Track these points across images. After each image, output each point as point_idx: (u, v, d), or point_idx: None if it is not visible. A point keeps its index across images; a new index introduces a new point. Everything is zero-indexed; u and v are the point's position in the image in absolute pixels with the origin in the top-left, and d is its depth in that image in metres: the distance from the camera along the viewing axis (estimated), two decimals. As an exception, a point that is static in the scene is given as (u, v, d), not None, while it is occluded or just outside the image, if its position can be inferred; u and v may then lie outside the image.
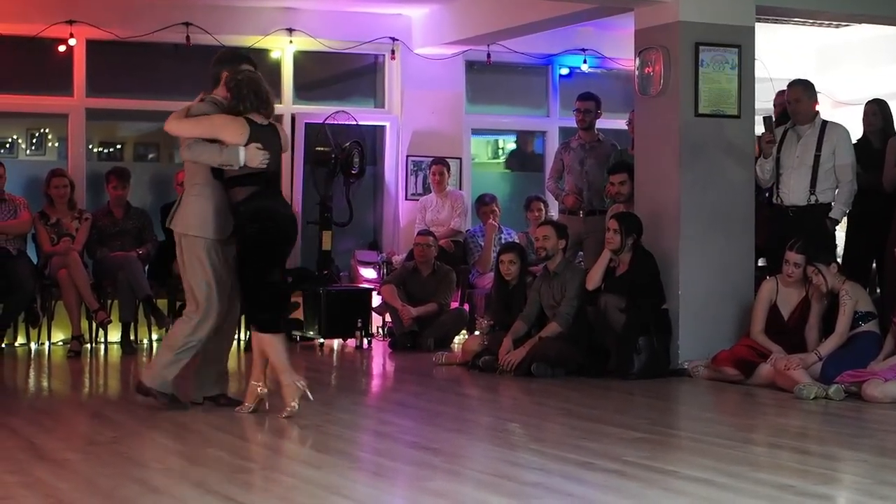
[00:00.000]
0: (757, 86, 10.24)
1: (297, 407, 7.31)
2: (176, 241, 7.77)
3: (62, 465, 6.06)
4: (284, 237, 7.58)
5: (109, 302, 11.46)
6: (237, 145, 7.36)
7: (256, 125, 7.50)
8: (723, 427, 7.61)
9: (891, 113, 10.71)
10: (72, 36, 12.13)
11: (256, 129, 7.47)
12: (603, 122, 11.77)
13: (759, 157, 9.92)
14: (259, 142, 7.41)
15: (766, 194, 10.16)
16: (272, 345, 7.42)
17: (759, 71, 10.54)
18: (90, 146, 12.92)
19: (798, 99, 9.88)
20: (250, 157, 7.36)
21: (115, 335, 11.52)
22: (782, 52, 14.01)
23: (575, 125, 12.11)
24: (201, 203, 7.59)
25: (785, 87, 10.61)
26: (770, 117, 9.92)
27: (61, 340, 11.60)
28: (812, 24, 13.55)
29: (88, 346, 11.38)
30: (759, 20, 10.31)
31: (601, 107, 11.63)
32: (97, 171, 12.48)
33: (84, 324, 11.28)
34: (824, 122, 9.95)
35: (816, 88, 10.11)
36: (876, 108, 10.65)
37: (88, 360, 10.93)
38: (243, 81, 7.63)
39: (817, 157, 9.74)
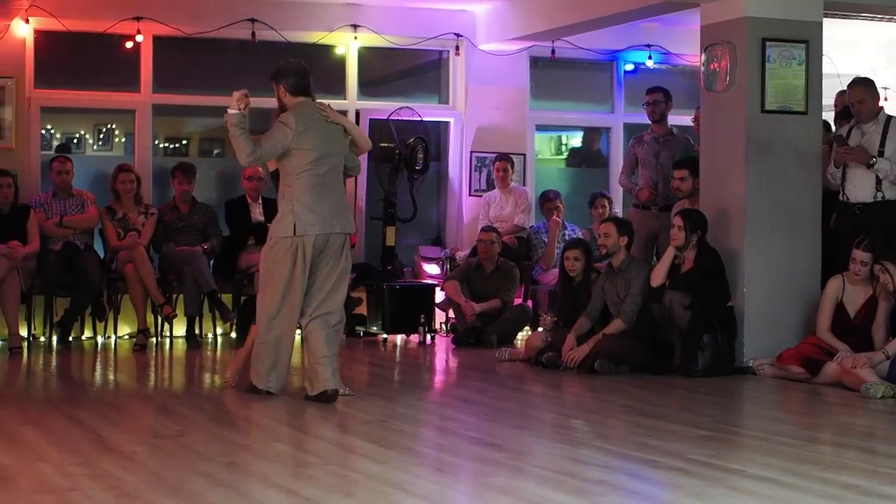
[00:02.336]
0: (824, 82, 10.16)
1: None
2: (345, 243, 8.06)
3: (128, 458, 6.12)
4: None
5: (175, 296, 11.53)
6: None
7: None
8: (788, 426, 7.57)
9: None
10: (139, 32, 12.22)
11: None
12: (669, 118, 11.71)
13: (831, 165, 9.86)
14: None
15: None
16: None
17: (827, 67, 10.46)
18: (156, 142, 13.01)
19: (861, 100, 9.79)
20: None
21: (180, 329, 11.60)
22: (850, 48, 13.87)
23: (640, 121, 12.11)
24: None
25: (845, 87, 10.54)
26: (841, 135, 9.83)
27: (127, 334, 11.70)
28: (881, 20, 13.40)
29: (154, 339, 11.47)
30: (826, 15, 10.22)
31: (671, 98, 11.58)
32: (163, 167, 12.57)
33: (150, 318, 11.37)
34: (889, 118, 9.86)
35: (884, 84, 10.02)
36: None
37: (154, 353, 11.01)
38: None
39: (881, 153, 9.65)
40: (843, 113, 10.67)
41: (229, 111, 7.92)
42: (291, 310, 7.93)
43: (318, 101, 8.10)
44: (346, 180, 8.31)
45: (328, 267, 7.92)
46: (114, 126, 13.21)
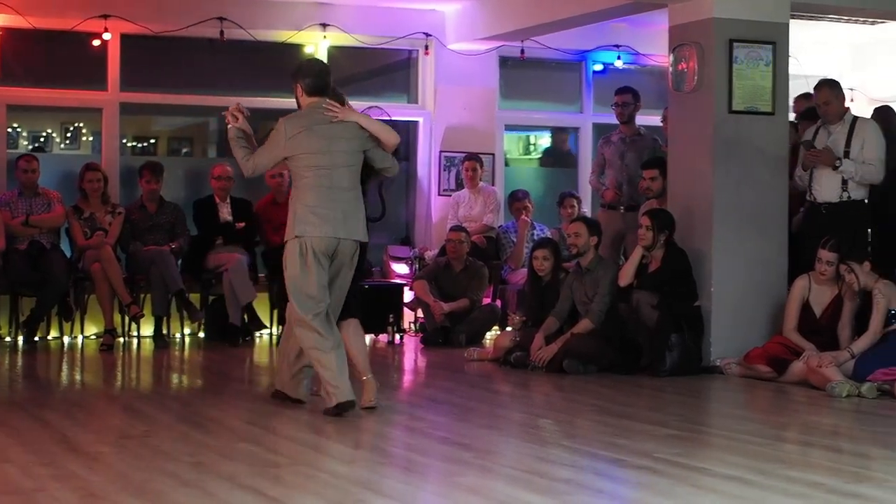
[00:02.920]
0: (791, 83, 10.21)
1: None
2: (356, 252, 7.65)
3: (94, 458, 6.09)
4: None
5: (142, 296, 11.49)
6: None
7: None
8: (754, 424, 7.60)
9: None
10: (106, 30, 12.16)
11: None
12: (638, 118, 11.74)
13: (799, 168, 9.90)
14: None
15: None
16: None
17: (794, 68, 10.50)
18: (124, 140, 12.97)
19: (827, 101, 9.84)
20: None
21: (147, 329, 11.56)
22: (817, 49, 13.94)
23: (609, 121, 12.11)
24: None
25: (804, 92, 10.63)
26: (809, 141, 9.87)
27: (94, 334, 11.65)
28: (847, 21, 13.47)
29: (121, 339, 11.42)
30: (793, 17, 10.27)
31: (639, 99, 11.61)
32: (131, 166, 12.51)
33: (117, 317, 11.32)
34: (854, 118, 9.91)
35: (851, 86, 10.07)
36: None
37: (121, 353, 10.97)
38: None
39: (847, 153, 9.70)
40: (804, 114, 10.72)
41: (228, 127, 7.75)
42: (319, 308, 7.36)
43: (327, 99, 7.60)
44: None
45: (342, 274, 7.53)
46: (81, 125, 13.17)
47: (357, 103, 12.65)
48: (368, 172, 7.76)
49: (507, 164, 14.11)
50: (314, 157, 7.43)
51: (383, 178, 8.07)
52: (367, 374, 7.53)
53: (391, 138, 7.72)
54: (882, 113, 10.65)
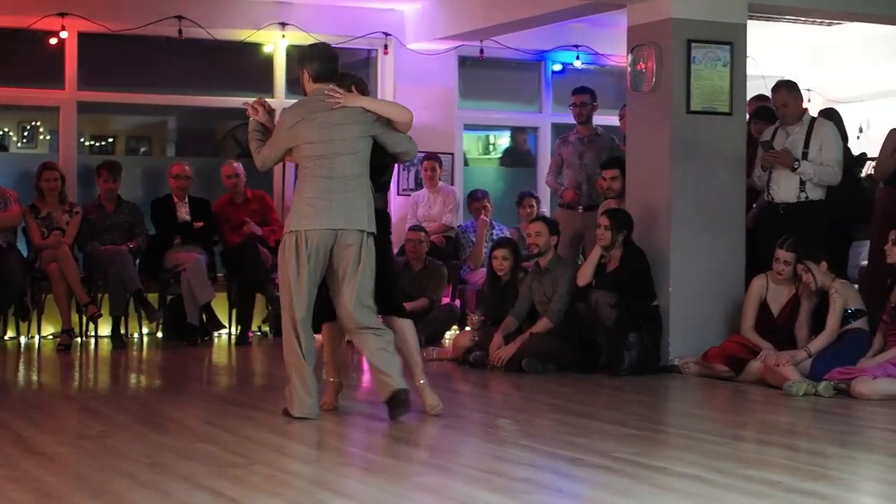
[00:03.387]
0: (749, 83, 10.25)
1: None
2: (363, 243, 7.19)
3: (51, 459, 6.06)
4: None
5: (100, 295, 11.44)
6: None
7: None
8: (712, 423, 7.63)
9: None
10: (63, 28, 12.09)
11: None
12: (595, 118, 11.76)
13: (758, 168, 9.94)
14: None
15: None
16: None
17: (752, 68, 10.56)
18: (81, 139, 12.90)
19: (785, 103, 9.89)
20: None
21: (105, 329, 11.51)
22: (774, 50, 14.02)
23: (567, 121, 12.14)
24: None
25: (757, 94, 10.70)
26: (768, 141, 9.91)
27: (51, 334, 11.58)
28: (804, 22, 13.56)
29: (78, 339, 11.37)
30: (751, 17, 10.32)
31: (597, 99, 11.63)
32: (88, 165, 12.44)
33: (74, 317, 11.26)
34: (812, 119, 9.96)
35: (808, 86, 10.12)
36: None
37: (78, 353, 10.91)
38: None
39: (805, 154, 9.75)
40: (757, 114, 10.77)
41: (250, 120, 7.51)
42: (303, 311, 7.16)
43: (330, 85, 7.25)
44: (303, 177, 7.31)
45: (347, 265, 7.14)
46: (38, 123, 13.10)
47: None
48: (387, 164, 7.48)
49: (466, 164, 14.12)
50: (313, 147, 7.13)
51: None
52: (422, 379, 7.43)
53: (403, 115, 7.36)
54: (827, 115, 10.70)
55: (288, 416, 7.18)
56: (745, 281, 9.81)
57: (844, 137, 10.48)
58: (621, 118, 11.34)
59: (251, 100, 7.56)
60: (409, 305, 11.52)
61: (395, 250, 12.49)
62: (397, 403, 7.09)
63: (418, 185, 13.26)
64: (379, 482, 5.77)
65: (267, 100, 7.72)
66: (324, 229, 7.08)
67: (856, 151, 12.66)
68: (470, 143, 14.60)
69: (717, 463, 6.04)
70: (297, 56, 7.46)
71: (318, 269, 7.15)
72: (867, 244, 11.34)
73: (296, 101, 7.45)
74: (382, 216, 7.47)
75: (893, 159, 10.17)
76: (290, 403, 7.20)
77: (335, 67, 7.36)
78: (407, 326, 7.56)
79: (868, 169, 12.24)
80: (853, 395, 8.21)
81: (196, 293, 11.36)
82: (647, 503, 5.26)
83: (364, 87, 7.58)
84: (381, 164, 7.36)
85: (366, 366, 10.63)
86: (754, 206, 10.29)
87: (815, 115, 10.42)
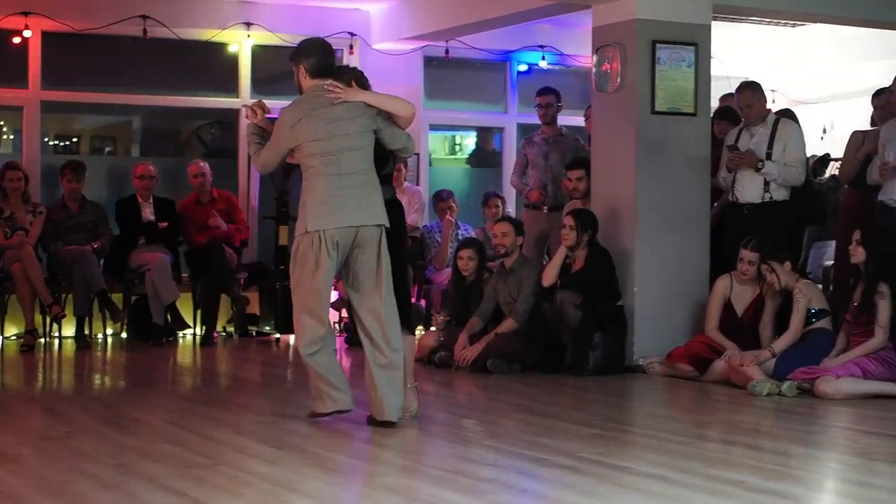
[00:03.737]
0: (713, 84, 10.29)
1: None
2: (381, 238, 7.03)
3: (14, 461, 6.03)
4: None
5: (64, 296, 11.38)
6: None
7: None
8: (677, 423, 7.66)
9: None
10: (27, 27, 12.02)
11: None
12: (561, 119, 11.78)
13: (723, 169, 9.98)
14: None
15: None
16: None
17: (716, 69, 10.60)
18: (45, 139, 12.82)
19: (749, 104, 9.93)
20: None
21: (69, 329, 11.45)
22: (739, 51, 14.07)
23: (533, 121, 12.15)
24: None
25: (727, 93, 10.75)
26: (734, 145, 9.94)
27: (14, 334, 11.51)
28: (769, 23, 13.63)
29: (42, 340, 11.30)
30: (716, 19, 10.37)
31: (561, 100, 11.64)
32: (52, 165, 12.37)
33: (38, 318, 11.20)
34: (776, 120, 10.00)
35: (772, 87, 10.16)
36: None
37: (42, 354, 10.86)
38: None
39: (769, 154, 9.80)
40: (720, 114, 10.82)
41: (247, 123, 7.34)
42: (319, 317, 7.00)
43: (329, 80, 7.06)
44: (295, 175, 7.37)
45: (369, 261, 6.96)
46: (1, 123, 13.01)
47: (282, 102, 12.68)
48: (387, 156, 7.24)
49: (431, 164, 14.12)
50: (318, 144, 6.91)
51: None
52: (411, 383, 7.31)
53: (406, 109, 7.16)
54: (784, 116, 10.76)
55: (317, 416, 7.07)
56: (709, 281, 9.85)
57: None
58: (586, 119, 11.37)
59: (250, 102, 7.38)
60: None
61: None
62: (378, 426, 7.00)
63: (384, 186, 13.22)
64: (343, 482, 5.78)
65: (225, 101, 7.57)
66: (344, 227, 6.87)
67: (820, 152, 12.76)
68: (437, 144, 14.60)
69: (682, 462, 6.06)
70: (291, 52, 7.23)
71: (335, 269, 6.95)
72: (832, 244, 11.43)
73: (294, 99, 7.18)
74: (396, 205, 7.33)
75: (856, 161, 10.24)
76: (316, 402, 7.09)
77: (332, 62, 7.20)
78: (408, 343, 7.36)
79: (832, 169, 12.33)
80: (817, 394, 8.25)
81: (161, 293, 11.33)
82: (611, 503, 5.28)
83: (363, 79, 7.39)
84: (379, 157, 7.15)
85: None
86: (716, 204, 10.34)
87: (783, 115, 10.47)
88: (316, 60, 7.08)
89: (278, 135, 7.05)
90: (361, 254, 6.94)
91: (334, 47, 12.99)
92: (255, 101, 7.40)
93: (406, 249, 12.25)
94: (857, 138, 10.39)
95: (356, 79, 7.29)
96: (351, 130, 6.97)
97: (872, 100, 10.52)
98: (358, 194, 6.93)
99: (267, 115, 7.29)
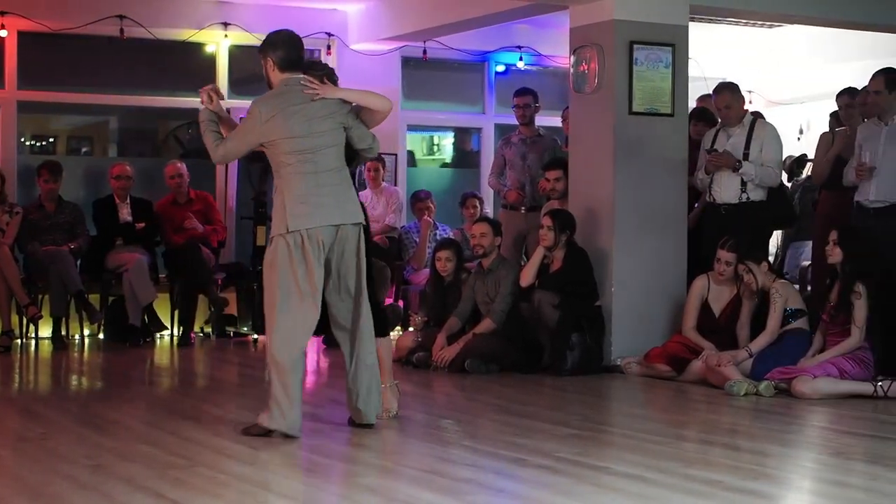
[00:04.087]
0: (691, 84, 10.31)
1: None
2: (360, 236, 6.91)
3: (-10, 462, 6.01)
4: None
5: (40, 297, 11.34)
6: None
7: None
8: (654, 423, 7.68)
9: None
10: (2, 27, 11.98)
11: None
12: (539, 119, 11.78)
13: (701, 171, 9.99)
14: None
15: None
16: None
17: (693, 70, 10.62)
18: (22, 139, 12.78)
19: (728, 105, 9.95)
20: None
21: (45, 330, 11.41)
22: (716, 52, 14.11)
23: (511, 122, 12.16)
24: None
25: (705, 94, 10.78)
26: (712, 148, 9.96)
27: (-9, 335, 11.47)
28: (746, 24, 13.66)
29: (19, 341, 11.26)
30: (693, 19, 10.39)
31: (539, 100, 11.65)
32: (29, 165, 12.34)
33: (14, 319, 11.16)
34: (753, 121, 10.03)
35: (749, 88, 10.18)
36: None
37: (18, 355, 10.82)
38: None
39: (746, 155, 9.82)
40: (696, 115, 10.84)
41: (200, 108, 7.00)
42: (303, 323, 6.75)
43: (303, 75, 6.88)
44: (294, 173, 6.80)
45: (348, 266, 6.83)
46: (-22, 123, 12.95)
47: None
48: (352, 155, 7.09)
49: (414, 165, 14.14)
50: (295, 142, 6.71)
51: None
52: (388, 383, 7.28)
53: (382, 104, 7.05)
54: None
55: (255, 433, 6.73)
56: (687, 281, 9.87)
57: None
58: (564, 120, 11.39)
59: (207, 87, 7.08)
60: (352, 306, 11.55)
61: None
62: (357, 426, 6.96)
63: (361, 186, 13.23)
64: (321, 483, 5.77)
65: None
66: (325, 226, 6.72)
67: (797, 153, 12.80)
68: (415, 144, 14.60)
69: (660, 462, 6.07)
70: (261, 44, 6.98)
71: (320, 276, 6.73)
72: (809, 245, 11.46)
73: (266, 92, 6.93)
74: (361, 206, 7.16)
75: (827, 161, 10.27)
76: (266, 419, 6.74)
77: (302, 55, 6.98)
78: (385, 345, 7.32)
79: (809, 170, 12.36)
80: (794, 394, 8.27)
81: (138, 294, 11.30)
82: (589, 503, 5.28)
83: (334, 76, 7.26)
84: (346, 156, 7.03)
85: (308, 366, 10.64)
86: (696, 205, 10.36)
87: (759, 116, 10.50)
88: (284, 53, 6.86)
89: (249, 127, 6.81)
90: (342, 253, 6.81)
91: (312, 48, 13.20)
92: (210, 85, 7.12)
93: (386, 249, 12.37)
94: (827, 139, 10.44)
95: (328, 76, 7.16)
96: (326, 128, 6.83)
97: (837, 99, 10.56)
98: (334, 192, 6.79)
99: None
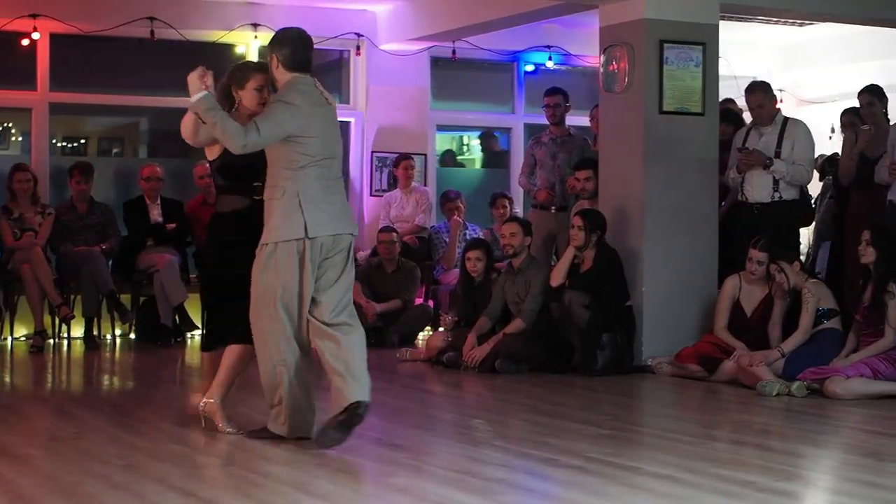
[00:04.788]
0: (721, 83, 10.29)
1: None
2: (350, 246, 6.66)
3: (24, 461, 6.03)
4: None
5: (72, 297, 11.39)
6: None
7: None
8: (686, 423, 7.65)
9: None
10: (35, 30, 12.04)
11: None
12: (568, 119, 11.77)
13: (733, 170, 9.96)
14: None
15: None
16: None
17: (724, 69, 10.59)
18: (54, 141, 12.85)
19: (761, 104, 9.92)
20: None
21: (77, 330, 11.46)
22: (747, 50, 14.06)
23: (540, 121, 12.15)
24: None
25: (727, 97, 10.77)
26: (745, 147, 9.93)
27: (24, 336, 11.53)
28: (776, 22, 13.60)
29: (51, 341, 11.31)
30: (723, 18, 10.35)
31: (569, 100, 11.63)
32: (61, 166, 12.40)
33: (47, 319, 11.21)
34: (785, 119, 10.00)
35: (780, 87, 10.14)
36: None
37: (51, 355, 10.87)
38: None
39: (777, 154, 9.79)
40: (719, 116, 10.77)
41: (193, 98, 6.48)
42: (302, 328, 6.54)
43: (308, 75, 6.64)
44: None
45: (336, 270, 6.53)
46: (10, 125, 13.03)
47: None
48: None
49: (449, 165, 14.16)
50: (320, 144, 6.48)
51: None
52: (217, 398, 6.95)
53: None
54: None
55: (265, 436, 6.63)
56: (717, 281, 9.84)
57: None
58: (592, 118, 11.36)
59: (198, 71, 6.65)
60: (382, 306, 11.61)
61: (368, 251, 12.52)
62: (350, 420, 6.40)
63: (391, 186, 13.25)
64: (352, 483, 5.78)
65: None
66: (335, 234, 6.51)
67: (828, 152, 12.73)
68: (445, 144, 14.60)
69: (691, 463, 6.05)
70: (269, 41, 6.73)
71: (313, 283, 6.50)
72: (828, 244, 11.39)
73: (286, 90, 6.55)
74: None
75: (852, 161, 10.23)
76: (277, 426, 6.60)
77: (310, 56, 6.66)
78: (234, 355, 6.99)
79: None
80: (826, 394, 8.23)
81: (169, 294, 11.34)
82: (620, 503, 5.27)
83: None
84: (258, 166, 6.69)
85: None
86: (723, 203, 10.33)
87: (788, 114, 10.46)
88: (291, 52, 6.56)
89: (289, 116, 6.40)
90: (330, 261, 6.53)
91: (341, 48, 13.21)
92: (200, 68, 6.65)
93: (416, 249, 12.36)
94: (851, 138, 10.41)
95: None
96: (338, 137, 6.74)
97: (859, 97, 10.51)
98: (341, 201, 6.63)
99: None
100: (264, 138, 6.36)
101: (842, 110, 11.29)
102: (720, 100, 11.33)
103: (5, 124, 13.04)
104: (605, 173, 10.24)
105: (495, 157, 14.67)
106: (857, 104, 10.75)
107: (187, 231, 11.99)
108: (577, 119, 12.49)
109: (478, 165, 14.87)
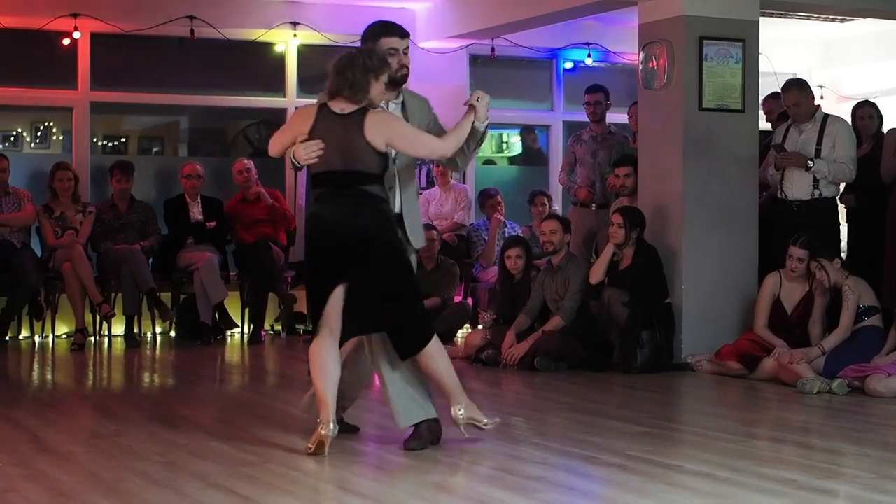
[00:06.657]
0: (761, 80, 10.24)
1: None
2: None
3: (65, 458, 6.07)
4: (323, 248, 6.39)
5: (113, 295, 11.46)
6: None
7: (328, 114, 6.48)
8: (726, 421, 7.62)
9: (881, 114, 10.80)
10: (76, 29, 12.12)
11: (325, 118, 6.45)
12: (608, 116, 11.74)
13: (771, 168, 9.93)
14: (323, 133, 6.36)
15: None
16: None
17: (764, 65, 10.54)
18: (94, 139, 12.92)
19: (797, 103, 9.86)
20: (296, 153, 6.31)
21: (118, 328, 11.53)
22: (787, 47, 14.00)
23: (580, 119, 12.13)
24: None
25: (773, 92, 10.68)
26: (780, 143, 9.89)
27: (65, 333, 11.61)
28: (816, 19, 13.53)
29: (92, 339, 11.39)
30: (763, 14, 10.31)
31: (610, 97, 11.60)
32: (101, 165, 12.48)
33: (88, 317, 11.29)
34: (825, 116, 9.94)
35: (821, 83, 10.09)
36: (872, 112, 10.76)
37: (92, 353, 10.94)
38: (337, 59, 6.77)
39: (818, 151, 9.74)
40: (782, 116, 10.74)
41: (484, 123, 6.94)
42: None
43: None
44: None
45: None
46: (51, 124, 13.11)
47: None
48: None
49: (486, 163, 14.14)
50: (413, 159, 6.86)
51: None
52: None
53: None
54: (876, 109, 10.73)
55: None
56: (757, 278, 9.80)
57: None
58: (630, 116, 11.34)
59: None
60: (422, 303, 11.58)
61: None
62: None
63: (430, 184, 13.26)
64: (392, 480, 5.79)
65: (271, 99, 7.06)
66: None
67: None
68: (484, 142, 14.58)
69: (731, 461, 6.03)
70: (375, 60, 6.85)
71: None
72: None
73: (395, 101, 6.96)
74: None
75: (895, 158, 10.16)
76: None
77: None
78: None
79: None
80: (867, 392, 8.20)
81: (209, 292, 11.39)
82: (660, 501, 5.26)
83: None
84: None
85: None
86: (763, 193, 10.29)
87: (829, 111, 10.40)
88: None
89: (295, 117, 6.68)
90: None
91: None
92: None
93: (455, 247, 12.36)
94: (893, 136, 10.33)
95: None
96: None
97: None
98: None
99: None
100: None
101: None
102: (767, 95, 11.31)
103: (47, 123, 13.12)
104: (645, 170, 10.22)
105: (534, 154, 14.65)
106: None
107: (227, 229, 12.03)
108: (617, 117, 12.45)
109: (512, 164, 14.83)
